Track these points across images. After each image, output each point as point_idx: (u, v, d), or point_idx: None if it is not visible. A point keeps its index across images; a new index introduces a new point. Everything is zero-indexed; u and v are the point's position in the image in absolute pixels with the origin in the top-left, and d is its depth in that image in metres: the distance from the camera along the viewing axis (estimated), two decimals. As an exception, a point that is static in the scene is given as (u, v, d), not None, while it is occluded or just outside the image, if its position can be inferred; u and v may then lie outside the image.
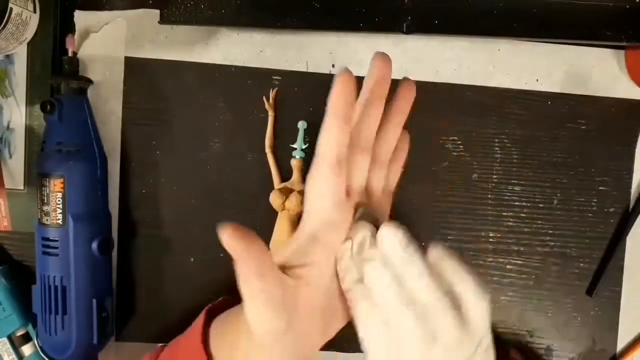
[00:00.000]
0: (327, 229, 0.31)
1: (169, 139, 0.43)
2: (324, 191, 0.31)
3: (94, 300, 0.39)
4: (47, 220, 0.39)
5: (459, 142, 0.45)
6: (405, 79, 0.36)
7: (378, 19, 0.40)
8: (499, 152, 0.45)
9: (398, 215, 0.44)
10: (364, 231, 0.31)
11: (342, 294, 0.32)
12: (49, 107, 0.38)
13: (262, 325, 0.29)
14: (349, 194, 0.32)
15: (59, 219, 0.38)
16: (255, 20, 0.41)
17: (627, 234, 0.45)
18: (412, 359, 0.28)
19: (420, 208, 0.45)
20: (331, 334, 0.33)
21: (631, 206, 0.46)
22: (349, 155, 0.32)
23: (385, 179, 0.36)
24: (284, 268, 0.31)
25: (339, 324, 0.33)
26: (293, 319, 0.29)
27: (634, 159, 0.46)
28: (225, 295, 0.39)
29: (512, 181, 0.45)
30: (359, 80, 0.31)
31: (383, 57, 0.32)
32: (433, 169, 0.45)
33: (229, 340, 0.32)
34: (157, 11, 0.40)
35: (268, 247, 0.42)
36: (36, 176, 0.40)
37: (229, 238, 0.27)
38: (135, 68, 0.43)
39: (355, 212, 0.33)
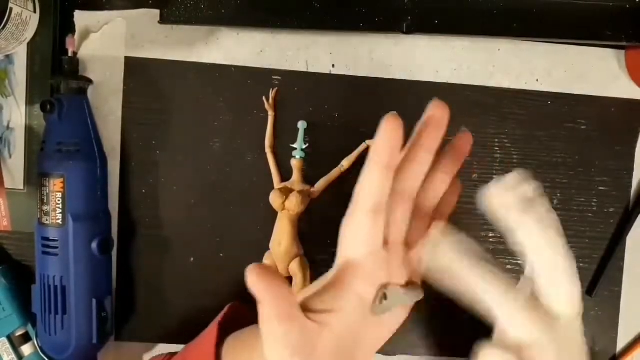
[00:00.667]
0: (358, 277, 0.30)
1: (169, 139, 0.43)
2: (359, 239, 0.30)
3: (94, 300, 0.39)
4: (47, 220, 0.39)
5: (459, 142, 0.45)
6: (464, 130, 0.34)
7: (378, 19, 0.40)
8: (499, 152, 0.45)
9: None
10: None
11: (359, 342, 0.31)
12: (49, 107, 0.38)
13: None
14: (386, 243, 0.31)
15: (58, 219, 0.38)
16: (255, 20, 0.41)
17: (627, 234, 0.45)
18: None
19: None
20: None
21: (631, 206, 0.46)
22: (390, 204, 0.30)
23: (425, 232, 0.33)
24: (306, 309, 0.30)
25: None
26: None
27: (634, 159, 0.46)
28: (225, 296, 0.39)
29: (512, 181, 0.45)
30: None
31: (440, 105, 0.31)
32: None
33: None
34: (157, 11, 0.40)
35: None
36: (36, 176, 0.40)
37: (256, 279, 0.27)
38: (135, 68, 0.43)
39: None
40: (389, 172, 0.29)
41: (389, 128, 0.28)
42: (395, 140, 0.29)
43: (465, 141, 0.34)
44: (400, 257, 0.32)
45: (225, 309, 0.37)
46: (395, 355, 0.45)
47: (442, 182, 0.33)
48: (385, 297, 0.30)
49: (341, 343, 0.30)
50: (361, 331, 0.31)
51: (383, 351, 0.45)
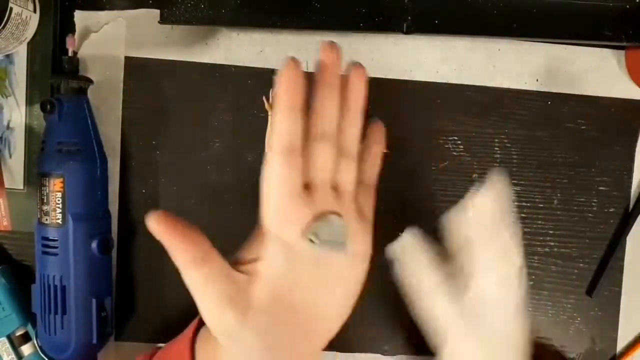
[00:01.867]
0: (279, 222, 0.30)
1: (169, 139, 0.43)
2: (272, 182, 0.30)
3: (94, 300, 0.39)
4: (46, 219, 0.39)
5: (459, 142, 0.45)
6: (353, 63, 0.33)
7: (378, 19, 0.40)
8: (499, 152, 0.45)
9: (398, 216, 0.44)
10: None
11: (300, 288, 0.30)
12: (49, 106, 0.38)
13: (211, 320, 0.28)
14: (310, 188, 0.31)
15: (58, 219, 0.38)
16: (255, 20, 0.41)
17: (627, 234, 0.45)
18: None
19: (420, 208, 0.45)
20: (320, 340, 0.31)
21: (631, 206, 0.46)
22: (307, 148, 0.30)
23: (358, 172, 0.33)
24: (235, 263, 0.30)
25: (327, 326, 0.31)
26: (247, 316, 0.28)
27: (634, 159, 0.46)
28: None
29: (512, 181, 0.45)
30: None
31: (329, 43, 0.31)
32: (433, 169, 0.45)
33: (211, 347, 0.31)
34: (157, 11, 0.40)
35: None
36: (36, 176, 0.40)
37: (157, 224, 0.27)
38: (135, 68, 0.43)
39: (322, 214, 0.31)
40: (294, 113, 0.30)
41: (286, 70, 0.29)
42: (293, 80, 0.29)
43: (358, 74, 0.33)
44: (329, 200, 0.31)
45: None
46: (395, 355, 0.45)
47: (353, 122, 0.32)
48: (314, 233, 0.29)
49: (276, 291, 0.29)
50: (298, 276, 0.30)
51: (382, 351, 0.45)
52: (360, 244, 0.32)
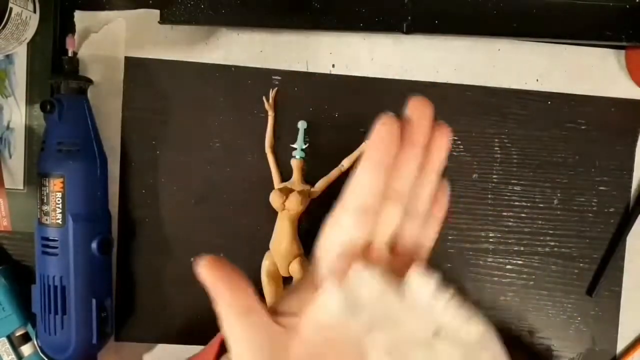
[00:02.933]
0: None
1: (169, 139, 0.43)
2: (336, 238, 0.28)
3: (94, 300, 0.39)
4: (46, 220, 0.39)
5: (459, 142, 0.45)
6: (440, 123, 0.32)
7: (378, 19, 0.40)
8: (499, 152, 0.45)
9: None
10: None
11: (338, 349, 0.28)
12: (49, 106, 0.38)
13: None
14: (368, 247, 0.29)
15: (58, 219, 0.38)
16: (255, 20, 0.41)
17: (627, 234, 0.45)
18: None
19: (420, 208, 0.45)
20: None
21: (631, 206, 0.46)
22: (382, 204, 0.29)
23: (418, 234, 0.32)
24: (274, 312, 0.28)
25: None
26: None
27: (634, 158, 0.46)
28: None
29: (512, 181, 0.45)
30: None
31: (419, 98, 0.29)
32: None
33: None
34: (157, 11, 0.40)
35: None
36: (36, 176, 0.40)
37: (205, 270, 0.26)
38: (135, 68, 0.43)
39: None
40: (381, 172, 0.28)
41: (384, 126, 0.28)
42: (389, 138, 0.28)
43: (442, 133, 0.31)
44: (383, 261, 0.30)
45: None
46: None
47: (429, 182, 0.31)
48: None
49: (313, 350, 0.28)
50: (341, 342, 0.28)
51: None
52: None
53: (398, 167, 0.30)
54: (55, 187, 0.38)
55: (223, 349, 0.32)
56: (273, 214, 0.43)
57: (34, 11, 0.40)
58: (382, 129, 0.28)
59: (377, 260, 0.29)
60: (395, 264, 0.30)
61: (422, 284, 0.27)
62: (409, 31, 0.40)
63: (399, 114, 0.45)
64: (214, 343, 0.32)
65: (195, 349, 0.35)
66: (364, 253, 0.29)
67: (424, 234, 0.32)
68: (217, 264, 0.26)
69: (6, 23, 0.36)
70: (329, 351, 0.28)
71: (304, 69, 0.44)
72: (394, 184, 0.30)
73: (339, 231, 0.29)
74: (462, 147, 0.45)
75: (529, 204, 0.45)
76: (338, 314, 0.27)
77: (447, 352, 0.27)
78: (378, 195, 0.29)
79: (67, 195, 0.38)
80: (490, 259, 0.45)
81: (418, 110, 0.29)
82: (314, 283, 0.29)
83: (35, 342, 0.42)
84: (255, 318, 0.27)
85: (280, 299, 0.30)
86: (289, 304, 0.29)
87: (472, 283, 0.45)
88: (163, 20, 0.40)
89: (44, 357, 0.41)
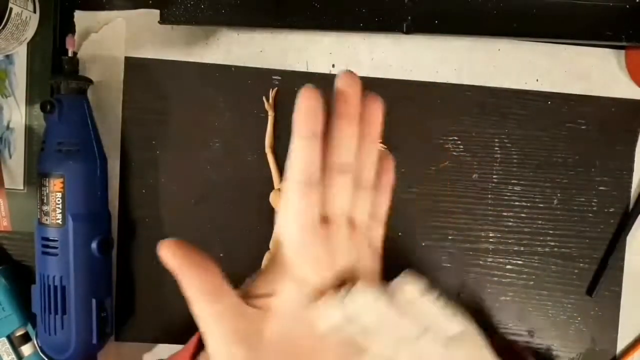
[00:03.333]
0: (294, 256, 0.29)
1: (169, 139, 0.43)
2: (289, 214, 0.29)
3: (94, 300, 0.39)
4: (46, 220, 0.39)
5: (459, 142, 0.45)
6: (369, 93, 0.32)
7: (378, 19, 0.40)
8: (499, 152, 0.45)
9: (398, 216, 0.44)
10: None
11: (313, 328, 0.28)
12: (49, 107, 0.38)
13: (219, 355, 0.27)
14: (326, 221, 0.30)
15: (58, 219, 0.38)
16: (255, 20, 0.41)
17: (627, 234, 0.45)
18: None
19: (420, 208, 0.45)
20: None
21: (631, 206, 0.46)
22: (325, 179, 0.30)
23: (371, 205, 0.32)
24: (246, 296, 0.28)
25: None
26: (257, 352, 0.27)
27: (634, 159, 0.46)
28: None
29: (512, 181, 0.45)
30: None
31: (347, 73, 0.30)
32: (433, 169, 0.45)
33: None
34: (157, 11, 0.40)
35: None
36: (36, 176, 0.40)
37: (169, 255, 0.26)
38: (135, 68, 0.43)
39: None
40: (312, 142, 0.29)
41: (304, 97, 0.28)
42: (311, 108, 0.28)
43: (374, 102, 0.32)
44: (344, 234, 0.30)
45: None
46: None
47: (370, 152, 0.32)
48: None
49: (288, 330, 0.28)
50: (313, 315, 0.29)
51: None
52: (369, 282, 0.31)
53: (336, 139, 0.30)
54: (55, 187, 0.38)
55: (201, 346, 0.32)
56: (273, 214, 0.43)
57: (34, 11, 0.40)
58: (303, 100, 0.29)
59: (337, 233, 0.30)
60: (354, 236, 0.31)
61: (410, 287, 0.28)
62: (409, 31, 0.40)
63: (400, 114, 0.45)
64: (192, 341, 0.33)
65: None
66: (323, 227, 0.30)
67: (376, 203, 0.33)
68: (181, 247, 0.26)
69: (6, 23, 0.36)
70: (304, 328, 0.28)
71: (304, 69, 0.44)
72: (336, 156, 0.30)
73: (291, 207, 0.29)
74: (462, 147, 0.45)
75: (529, 204, 0.45)
76: (336, 325, 0.28)
77: (431, 348, 0.28)
78: (316, 166, 0.29)
79: (67, 195, 0.38)
80: (490, 259, 0.45)
81: (346, 83, 0.30)
82: (281, 263, 0.29)
83: (35, 342, 0.42)
84: (225, 299, 0.27)
85: (250, 282, 0.30)
86: (260, 286, 0.29)
87: (472, 283, 0.45)
88: (163, 20, 0.40)
89: (44, 357, 0.41)
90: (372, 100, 0.32)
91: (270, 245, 0.30)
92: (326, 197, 0.30)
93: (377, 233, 0.33)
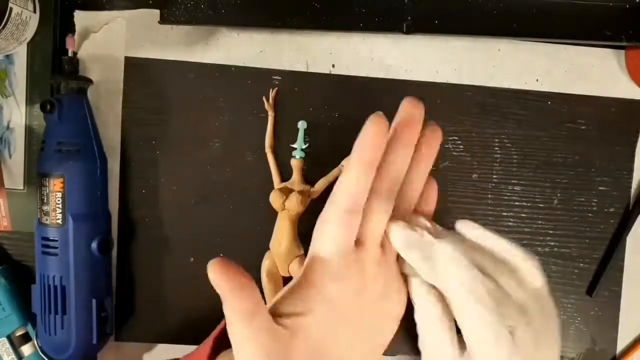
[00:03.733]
0: (328, 277, 0.29)
1: (169, 139, 0.43)
2: (329, 237, 0.29)
3: (94, 300, 0.39)
4: (46, 220, 0.39)
5: (459, 142, 0.45)
6: (430, 123, 0.33)
7: (378, 19, 0.40)
8: (499, 152, 0.45)
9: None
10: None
11: (338, 346, 0.29)
12: (49, 106, 0.38)
13: None
14: (360, 244, 0.30)
15: (58, 219, 0.38)
16: (255, 20, 0.41)
17: (627, 234, 0.45)
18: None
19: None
20: None
21: (631, 206, 0.46)
22: (368, 203, 0.30)
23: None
24: (275, 314, 0.28)
25: None
26: None
27: (634, 159, 0.46)
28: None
29: (512, 181, 0.45)
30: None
31: (412, 100, 0.30)
32: (433, 169, 0.45)
33: None
34: (157, 11, 0.40)
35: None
36: (36, 176, 0.40)
37: (216, 275, 0.26)
38: (135, 68, 0.43)
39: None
40: (370, 171, 0.29)
41: (373, 126, 0.28)
42: (378, 138, 0.28)
43: (433, 133, 0.33)
44: (376, 259, 0.31)
45: (222, 323, 0.35)
46: (395, 355, 0.45)
47: (418, 181, 0.32)
48: None
49: (316, 349, 0.28)
50: (340, 334, 0.29)
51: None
52: (397, 304, 0.32)
53: (390, 165, 0.31)
54: (55, 187, 0.38)
55: (217, 348, 0.32)
56: (273, 214, 0.43)
57: (34, 11, 0.40)
58: (372, 128, 0.28)
59: (368, 257, 0.30)
60: (384, 259, 0.31)
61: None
62: (409, 31, 0.40)
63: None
64: (208, 342, 0.33)
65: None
66: (356, 250, 0.30)
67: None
68: (225, 266, 0.26)
69: (6, 23, 0.36)
70: (331, 347, 0.29)
71: (304, 69, 0.44)
72: (384, 181, 0.30)
73: (331, 230, 0.30)
74: (462, 147, 0.45)
75: (529, 204, 0.45)
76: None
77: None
78: (365, 194, 0.29)
79: (67, 195, 0.38)
80: (490, 259, 0.45)
81: (411, 112, 0.30)
82: (313, 283, 0.29)
83: (35, 342, 0.42)
84: (259, 322, 0.27)
85: (280, 300, 0.30)
86: (290, 303, 0.29)
87: (472, 283, 0.45)
88: (163, 20, 0.40)
89: (44, 357, 0.41)
90: (433, 130, 0.33)
91: (305, 262, 0.31)
92: (365, 220, 0.30)
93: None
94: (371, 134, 0.28)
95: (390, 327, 0.33)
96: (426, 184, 0.34)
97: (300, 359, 0.28)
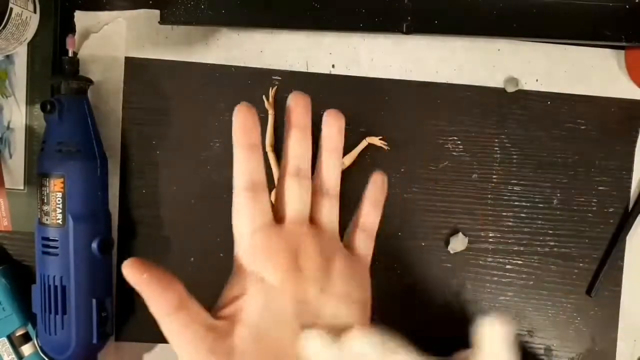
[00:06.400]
0: (253, 258, 0.30)
1: (169, 139, 0.43)
2: (241, 219, 0.31)
3: (94, 300, 0.39)
4: (47, 220, 0.39)
5: (459, 142, 0.45)
6: (328, 110, 0.34)
7: (378, 19, 0.40)
8: (498, 152, 0.45)
9: (399, 216, 0.44)
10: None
11: (285, 328, 0.29)
12: (49, 107, 0.38)
13: None
14: (281, 220, 0.31)
15: (58, 219, 0.38)
16: (255, 20, 0.41)
17: (627, 234, 0.45)
18: None
19: (420, 208, 0.45)
20: None
21: (631, 206, 0.46)
22: (282, 183, 0.32)
23: (358, 216, 0.34)
24: (215, 311, 0.29)
25: None
26: (233, 359, 0.27)
27: (634, 159, 0.46)
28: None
29: (512, 181, 0.45)
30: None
31: (298, 93, 0.33)
32: (433, 169, 0.45)
33: None
34: (157, 11, 0.40)
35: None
36: (36, 176, 0.40)
37: (131, 272, 0.26)
38: (135, 68, 0.43)
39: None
40: (252, 151, 0.31)
41: (239, 113, 0.31)
42: (245, 120, 0.31)
43: (333, 116, 0.34)
44: (305, 233, 0.31)
45: None
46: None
47: (329, 162, 0.34)
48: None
49: (259, 331, 0.28)
50: (281, 313, 0.29)
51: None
52: (358, 289, 0.32)
53: (289, 148, 0.33)
54: (55, 187, 0.38)
55: None
56: (273, 214, 0.43)
57: (34, 11, 0.40)
58: (239, 114, 0.31)
59: (294, 229, 0.31)
60: (322, 238, 0.32)
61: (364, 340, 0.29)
62: (409, 31, 0.40)
63: (400, 114, 0.45)
64: None
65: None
66: (276, 226, 0.31)
67: (366, 215, 0.35)
68: (144, 264, 0.27)
69: (6, 23, 0.36)
70: (274, 328, 0.29)
71: (304, 69, 0.44)
72: (289, 163, 0.32)
73: (239, 212, 0.31)
74: (462, 147, 0.45)
75: (528, 204, 0.45)
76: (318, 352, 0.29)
77: None
78: (259, 170, 0.31)
79: (67, 195, 0.39)
80: (490, 259, 0.45)
81: (296, 99, 0.33)
82: (241, 268, 0.30)
83: (36, 342, 0.42)
84: (186, 315, 0.27)
85: (221, 295, 0.31)
86: (226, 295, 0.30)
87: (472, 283, 0.45)
88: (163, 20, 0.40)
89: (44, 357, 0.41)
90: (330, 115, 0.34)
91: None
92: (281, 200, 0.32)
93: (366, 245, 0.35)
94: (238, 119, 0.31)
95: (357, 314, 0.32)
96: (374, 177, 0.35)
97: (245, 345, 0.28)
